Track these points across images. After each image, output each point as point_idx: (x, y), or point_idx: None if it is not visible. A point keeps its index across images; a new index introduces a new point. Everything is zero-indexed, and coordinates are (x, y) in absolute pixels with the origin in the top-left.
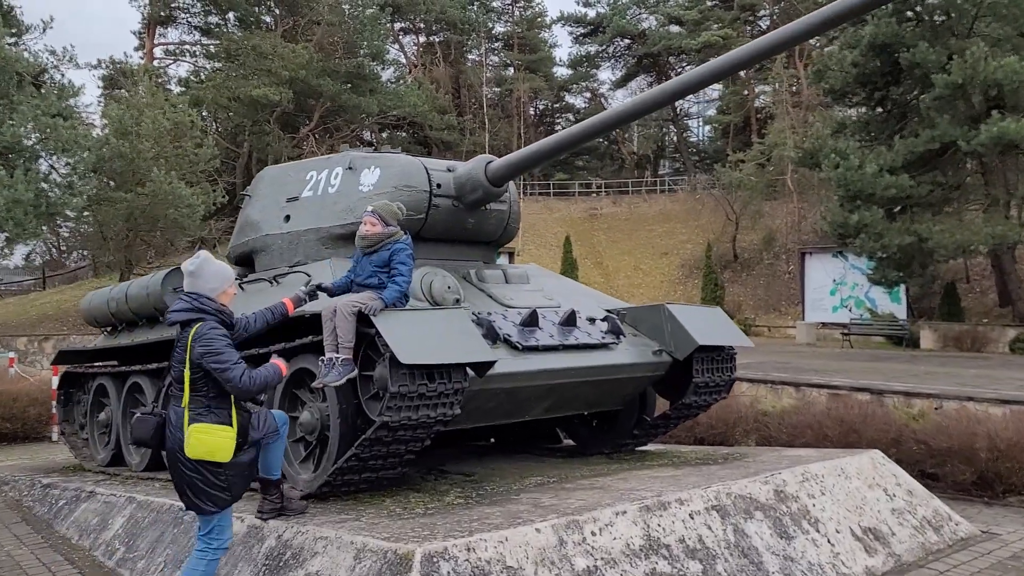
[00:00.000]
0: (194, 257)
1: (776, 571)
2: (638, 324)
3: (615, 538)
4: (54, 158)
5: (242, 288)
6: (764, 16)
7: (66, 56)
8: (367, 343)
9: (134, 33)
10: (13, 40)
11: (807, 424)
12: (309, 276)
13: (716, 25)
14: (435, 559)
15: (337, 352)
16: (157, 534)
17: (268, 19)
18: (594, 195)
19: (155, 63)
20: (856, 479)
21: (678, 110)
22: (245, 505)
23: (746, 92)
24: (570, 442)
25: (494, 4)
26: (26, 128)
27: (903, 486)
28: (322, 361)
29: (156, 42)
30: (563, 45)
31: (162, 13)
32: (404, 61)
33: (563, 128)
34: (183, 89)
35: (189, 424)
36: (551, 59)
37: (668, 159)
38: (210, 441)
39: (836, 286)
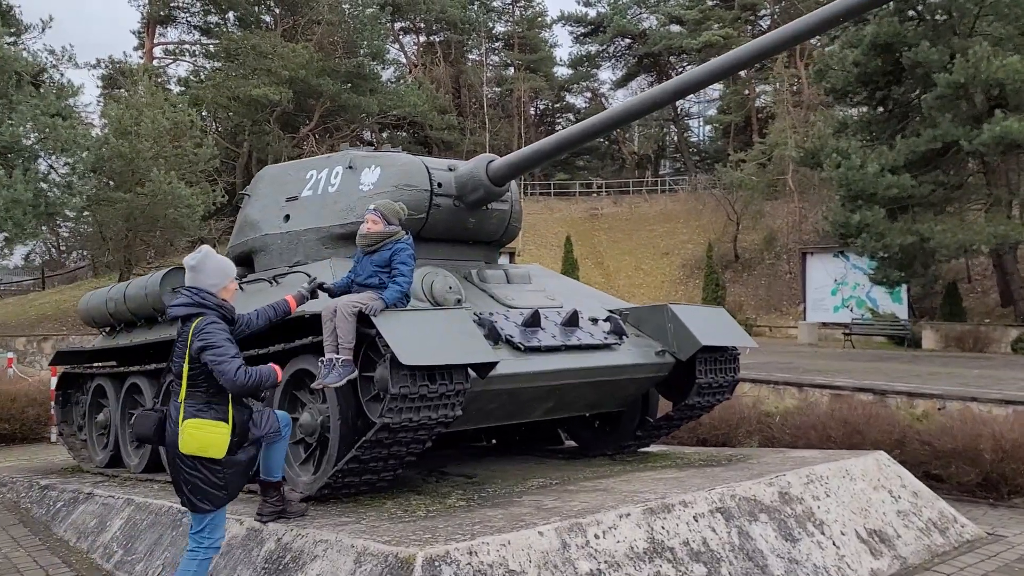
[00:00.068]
0: (196, 251)
1: (781, 574)
2: (641, 324)
3: (619, 541)
4: (53, 158)
5: (241, 288)
6: (765, 16)
7: (65, 56)
8: (368, 344)
9: (133, 33)
10: (12, 40)
11: (811, 425)
12: (309, 276)
13: (717, 25)
14: (437, 563)
15: (337, 353)
16: (155, 536)
17: (268, 18)
18: (595, 195)
19: (154, 63)
20: (861, 481)
21: (679, 110)
22: (244, 508)
23: (747, 92)
24: (572, 443)
25: (494, 4)
26: (25, 128)
27: (908, 488)
28: (322, 362)
29: (155, 42)
30: (563, 45)
31: (161, 12)
32: (404, 61)
33: (564, 128)
34: (183, 89)
35: (184, 419)
36: (551, 59)
37: (669, 159)
38: (202, 437)
39: (837, 286)
